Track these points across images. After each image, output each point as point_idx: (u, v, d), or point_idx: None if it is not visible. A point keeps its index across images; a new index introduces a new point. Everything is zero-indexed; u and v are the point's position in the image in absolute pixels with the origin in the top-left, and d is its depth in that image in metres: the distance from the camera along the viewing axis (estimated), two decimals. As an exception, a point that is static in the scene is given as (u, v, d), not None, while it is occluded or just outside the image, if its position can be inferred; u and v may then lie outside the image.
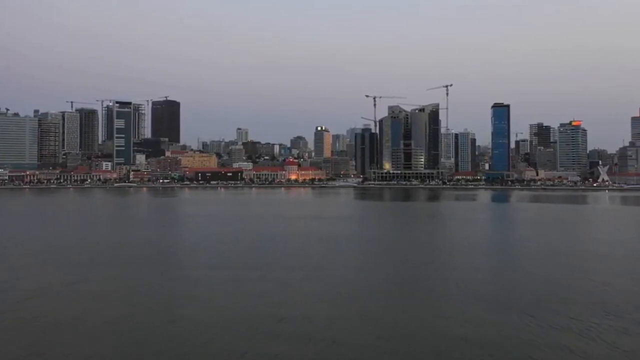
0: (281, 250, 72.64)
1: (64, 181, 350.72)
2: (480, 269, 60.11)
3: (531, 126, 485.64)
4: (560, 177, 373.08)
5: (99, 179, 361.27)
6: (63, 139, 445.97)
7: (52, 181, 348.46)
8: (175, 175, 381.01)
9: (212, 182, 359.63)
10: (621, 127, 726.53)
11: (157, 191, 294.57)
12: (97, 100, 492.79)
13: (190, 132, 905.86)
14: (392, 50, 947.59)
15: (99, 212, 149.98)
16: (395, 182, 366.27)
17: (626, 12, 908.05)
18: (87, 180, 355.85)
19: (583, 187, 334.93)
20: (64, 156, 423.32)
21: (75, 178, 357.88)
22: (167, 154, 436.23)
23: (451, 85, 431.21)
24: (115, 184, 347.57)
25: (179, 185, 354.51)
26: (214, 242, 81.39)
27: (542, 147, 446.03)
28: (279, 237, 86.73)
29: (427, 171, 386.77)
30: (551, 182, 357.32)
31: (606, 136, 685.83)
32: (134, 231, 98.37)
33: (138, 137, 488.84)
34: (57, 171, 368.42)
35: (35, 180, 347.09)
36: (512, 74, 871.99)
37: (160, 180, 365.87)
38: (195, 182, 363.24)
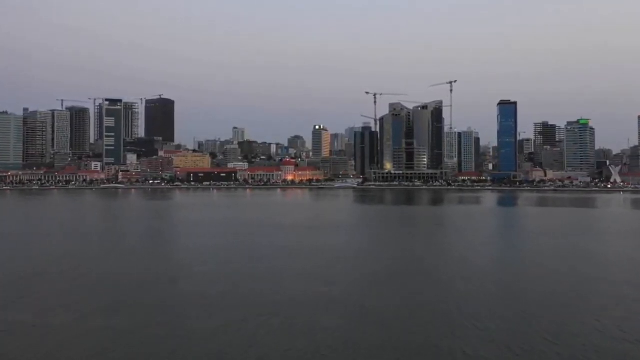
0: (259, 276, 56.13)
1: (47, 182, 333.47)
2: (525, 315, 43.47)
3: (536, 125, 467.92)
4: (570, 177, 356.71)
5: (85, 180, 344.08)
6: (53, 138, 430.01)
7: (34, 182, 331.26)
8: (166, 176, 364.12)
9: (204, 183, 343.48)
10: (622, 127, 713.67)
11: (146, 193, 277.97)
12: (90, 99, 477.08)
13: (187, 132, 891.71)
14: (392, 50, 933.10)
15: (61, 218, 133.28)
16: (397, 183, 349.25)
17: (626, 12, 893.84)
18: (72, 182, 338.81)
19: (597, 189, 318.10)
20: (53, 156, 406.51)
21: (60, 179, 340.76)
22: (161, 153, 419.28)
23: (455, 81, 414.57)
24: (102, 186, 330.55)
25: (170, 186, 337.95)
26: (182, 261, 65.62)
27: (548, 147, 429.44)
28: (262, 254, 70.19)
29: (430, 171, 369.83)
30: (561, 183, 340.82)
31: (607, 136, 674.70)
32: (84, 246, 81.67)
33: (132, 137, 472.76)
34: (42, 172, 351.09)
35: (18, 181, 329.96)
36: (512, 73, 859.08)
37: (150, 182, 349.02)
38: (187, 183, 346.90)
